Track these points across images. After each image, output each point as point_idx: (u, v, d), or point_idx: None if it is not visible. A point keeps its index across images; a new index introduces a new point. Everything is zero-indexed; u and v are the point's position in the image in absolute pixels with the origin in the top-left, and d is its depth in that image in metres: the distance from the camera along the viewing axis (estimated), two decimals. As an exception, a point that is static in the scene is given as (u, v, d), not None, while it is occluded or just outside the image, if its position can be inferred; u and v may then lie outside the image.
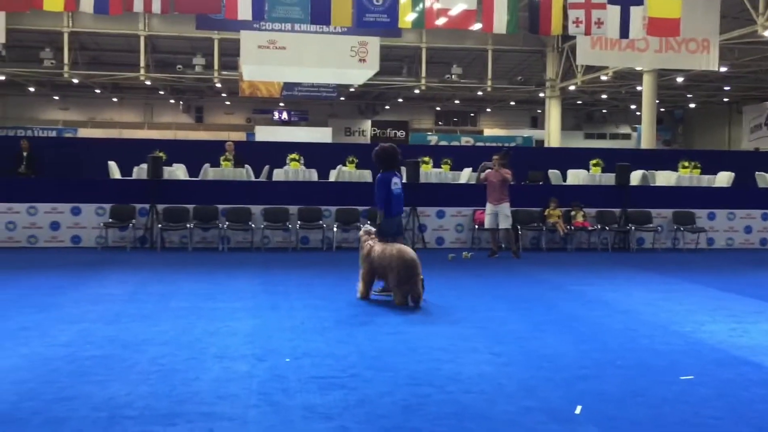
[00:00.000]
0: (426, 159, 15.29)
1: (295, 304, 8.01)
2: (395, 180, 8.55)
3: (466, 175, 15.51)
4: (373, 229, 8.58)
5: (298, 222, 13.12)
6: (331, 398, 4.77)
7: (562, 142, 31.20)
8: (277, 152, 16.00)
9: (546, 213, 13.70)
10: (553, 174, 16.50)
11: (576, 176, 16.36)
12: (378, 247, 8.11)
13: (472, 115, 44.58)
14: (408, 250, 8.01)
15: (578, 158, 17.43)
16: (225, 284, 9.22)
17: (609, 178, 15.16)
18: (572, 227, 13.68)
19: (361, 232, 8.67)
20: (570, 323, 7.27)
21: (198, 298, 8.27)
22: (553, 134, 31.11)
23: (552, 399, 4.87)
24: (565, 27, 15.64)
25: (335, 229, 13.17)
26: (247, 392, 4.85)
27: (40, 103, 39.60)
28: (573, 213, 13.78)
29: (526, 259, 12.28)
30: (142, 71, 29.52)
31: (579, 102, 38.86)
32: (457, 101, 39.70)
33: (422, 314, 7.58)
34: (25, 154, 15.43)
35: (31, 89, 35.90)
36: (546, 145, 31.29)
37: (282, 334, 6.56)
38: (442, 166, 15.73)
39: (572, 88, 30.86)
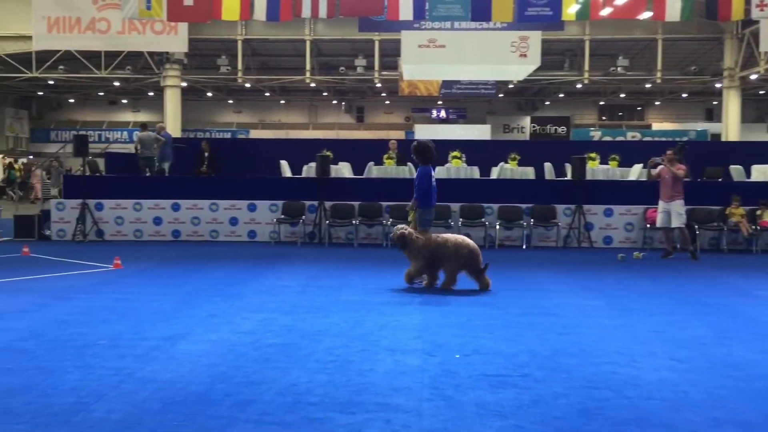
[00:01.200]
0: (592, 155, 14.73)
1: (461, 301, 8.03)
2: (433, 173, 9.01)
3: (635, 172, 14.76)
4: (407, 227, 8.85)
5: (460, 219, 13.13)
6: (504, 396, 4.72)
7: (741, 136, 28.85)
8: (439, 150, 16.04)
9: (727, 212, 12.75)
10: (735, 170, 15.28)
11: (762, 172, 15.04)
12: (431, 238, 8.57)
13: (638, 108, 42.36)
14: (468, 239, 8.64)
15: (762, 153, 16.04)
16: (391, 279, 9.41)
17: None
18: (758, 227, 12.62)
19: (404, 230, 8.73)
20: (760, 331, 6.71)
21: (366, 292, 8.52)
22: (731, 127, 28.85)
23: (744, 411, 4.51)
24: (747, 11, 14.46)
25: (497, 227, 13.03)
26: (420, 386, 4.92)
27: (216, 106, 42.55)
28: (759, 212, 12.72)
29: (704, 261, 11.50)
30: (307, 74, 30.83)
31: (762, 92, 35.73)
32: (622, 95, 37.88)
33: (594, 316, 7.32)
34: (206, 154, 16.60)
35: (209, 94, 38.65)
36: (723, 139, 29.09)
37: (449, 330, 6.59)
38: (610, 162, 15.07)
39: (754, 77, 28.42)
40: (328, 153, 13.87)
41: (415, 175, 9.28)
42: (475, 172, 15.03)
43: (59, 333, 6.28)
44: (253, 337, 6.20)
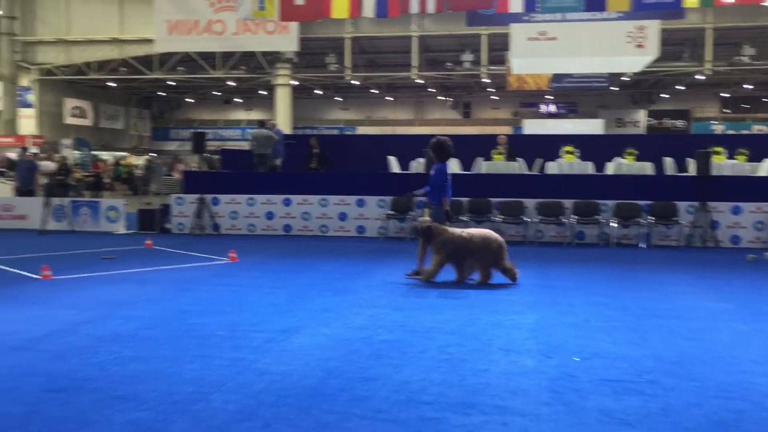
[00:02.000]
0: (718, 149, 13.85)
1: (575, 301, 7.71)
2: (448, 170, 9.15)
3: (766, 167, 13.77)
4: (429, 219, 8.85)
5: (574, 216, 12.68)
6: (629, 404, 4.45)
7: None
8: (549, 145, 15.63)
9: None
10: None
11: None
12: (456, 232, 8.59)
13: (765, 100, 39.71)
14: (493, 233, 8.73)
15: None
16: (502, 277, 9.19)
17: None
18: None
19: (430, 223, 8.70)
20: None
21: (478, 289, 8.34)
22: None
23: None
24: None
25: (614, 224, 12.50)
26: (538, 389, 4.72)
27: (324, 104, 43.38)
28: None
29: None
30: (414, 70, 30.84)
31: None
32: (748, 86, 35.61)
33: (725, 320, 6.83)
34: (314, 150, 16.89)
35: (318, 92, 39.45)
36: None
37: (565, 330, 6.33)
38: (737, 156, 14.12)
39: None
40: (437, 148, 13.71)
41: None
42: (588, 168, 14.49)
43: (180, 323, 6.50)
44: (365, 333, 6.18)
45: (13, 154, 26.08)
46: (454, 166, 14.91)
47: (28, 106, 34.01)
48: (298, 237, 13.93)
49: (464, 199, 13.26)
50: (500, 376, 4.99)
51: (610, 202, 12.80)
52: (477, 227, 10.22)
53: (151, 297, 7.74)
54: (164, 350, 5.55)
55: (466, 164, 15.19)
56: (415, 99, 42.99)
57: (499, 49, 29.67)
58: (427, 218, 8.99)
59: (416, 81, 33.80)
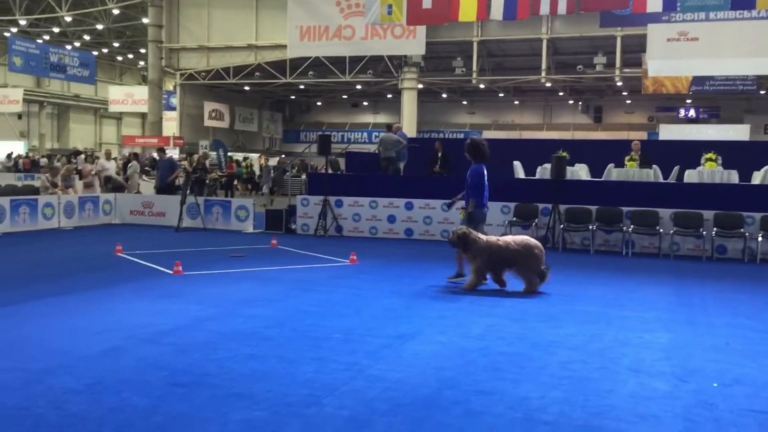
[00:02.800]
0: None
1: (715, 321, 7.12)
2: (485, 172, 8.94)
3: None
4: (464, 227, 8.56)
5: (714, 228, 11.81)
6: (777, 440, 3.99)
7: None
8: (688, 152, 14.63)
9: None
10: None
11: None
12: (492, 239, 8.32)
13: None
14: (530, 238, 8.58)
15: None
16: (633, 291, 8.69)
17: None
18: None
19: (465, 230, 8.41)
20: None
21: (605, 303, 7.91)
22: None
23: None
24: None
25: (760, 239, 11.52)
26: (671, 416, 4.34)
27: (450, 108, 43.23)
28: None
29: None
30: (543, 74, 30.08)
31: None
32: None
33: None
34: (439, 154, 16.73)
35: (444, 96, 39.37)
36: None
37: (703, 353, 5.83)
38: None
39: None
40: (565, 154, 13.23)
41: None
42: (733, 177, 13.43)
43: (298, 323, 6.56)
44: (483, 343, 5.97)
45: (155, 154, 27.83)
46: (582, 172, 14.35)
47: (171, 108, 36.26)
48: (420, 241, 13.85)
49: (593, 207, 12.68)
50: (628, 398, 4.65)
51: (757, 215, 11.80)
52: (522, 236, 9.66)
53: (273, 296, 7.89)
54: (281, 350, 5.60)
55: (596, 171, 14.52)
56: (543, 103, 41.99)
57: (635, 51, 28.40)
58: (462, 226, 8.69)
59: (545, 84, 32.97)
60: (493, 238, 8.46)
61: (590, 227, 12.48)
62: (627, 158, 14.21)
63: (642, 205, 12.46)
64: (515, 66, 33.99)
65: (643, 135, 34.88)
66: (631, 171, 13.87)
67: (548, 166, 13.67)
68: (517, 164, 15.15)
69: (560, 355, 5.66)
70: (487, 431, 4.04)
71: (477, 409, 4.39)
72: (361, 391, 4.65)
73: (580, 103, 40.80)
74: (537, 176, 14.46)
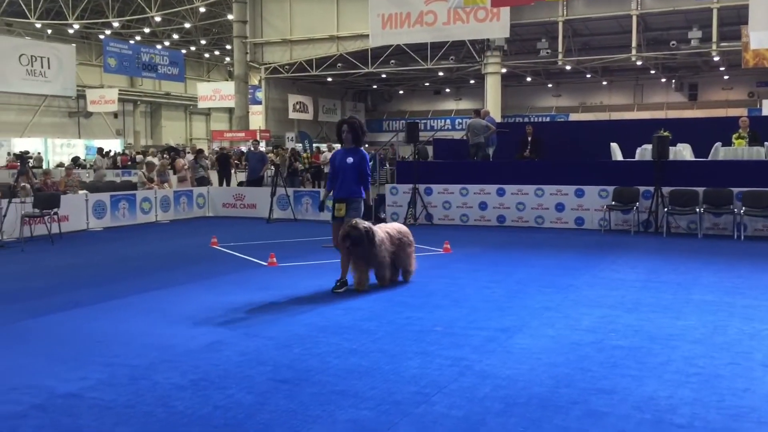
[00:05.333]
0: None
1: None
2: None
3: None
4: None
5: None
6: None
7: None
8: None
9: None
10: None
11: None
12: (376, 229, 7.43)
13: None
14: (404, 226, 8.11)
15: None
16: (751, 278, 8.06)
17: None
18: None
19: (363, 224, 7.34)
20: None
21: (722, 291, 7.35)
22: None
23: None
24: None
25: None
26: (821, 419, 3.88)
27: (535, 91, 42.12)
28: None
29: None
30: (633, 51, 28.82)
31: None
32: None
33: None
34: (529, 138, 16.23)
35: (528, 79, 38.36)
36: None
37: None
38: None
39: None
40: (667, 133, 12.49)
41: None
42: None
43: (396, 316, 6.35)
44: (595, 336, 5.60)
45: (244, 147, 28.28)
46: (686, 152, 13.57)
47: (257, 102, 36.86)
48: (512, 228, 13.44)
49: (699, 189, 11.93)
50: (766, 398, 4.20)
51: None
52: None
53: (369, 287, 7.72)
54: (383, 344, 5.41)
55: (698, 151, 13.70)
56: (633, 82, 40.30)
57: (733, 23, 26.79)
58: (356, 219, 7.50)
59: (636, 63, 31.59)
60: (377, 230, 7.57)
61: (697, 210, 11.75)
62: (734, 136, 13.33)
63: (754, 185, 11.65)
64: (603, 45, 32.71)
65: (743, 112, 32.87)
66: (740, 149, 12.99)
67: (648, 146, 12.98)
68: (614, 146, 14.48)
69: (683, 350, 5.23)
70: (614, 435, 3.71)
71: (599, 409, 4.05)
72: (471, 389, 4.39)
73: (673, 80, 38.91)
74: (636, 158, 13.76)
